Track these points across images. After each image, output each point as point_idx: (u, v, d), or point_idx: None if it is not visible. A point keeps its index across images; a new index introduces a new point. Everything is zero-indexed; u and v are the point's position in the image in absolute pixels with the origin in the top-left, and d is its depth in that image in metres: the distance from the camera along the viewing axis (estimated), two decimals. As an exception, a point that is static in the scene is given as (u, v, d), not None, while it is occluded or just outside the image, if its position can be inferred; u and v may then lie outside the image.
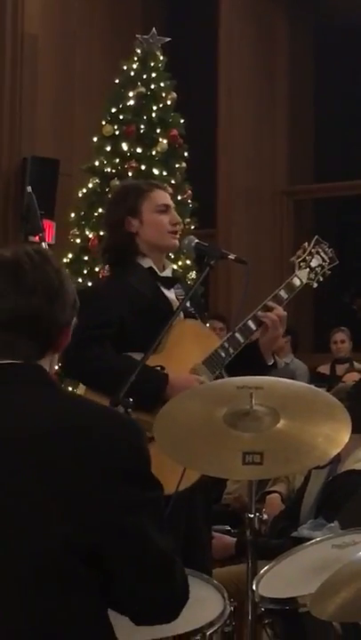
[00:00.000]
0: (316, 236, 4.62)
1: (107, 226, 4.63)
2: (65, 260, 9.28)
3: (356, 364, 10.03)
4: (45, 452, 2.32)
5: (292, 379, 6.64)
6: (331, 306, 12.28)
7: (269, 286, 4.68)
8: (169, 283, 4.40)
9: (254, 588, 3.06)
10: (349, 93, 12.31)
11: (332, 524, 4.28)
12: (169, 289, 4.37)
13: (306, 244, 4.55)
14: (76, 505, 2.29)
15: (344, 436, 3.13)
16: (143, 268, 4.34)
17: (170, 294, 4.35)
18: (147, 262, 4.35)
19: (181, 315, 4.25)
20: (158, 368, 4.11)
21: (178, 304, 4.26)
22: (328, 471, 5.03)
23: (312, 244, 4.53)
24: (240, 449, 3.02)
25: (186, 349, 4.22)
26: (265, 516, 3.31)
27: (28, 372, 2.43)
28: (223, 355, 4.22)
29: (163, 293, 4.31)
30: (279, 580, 3.08)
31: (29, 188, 8.51)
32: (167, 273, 4.44)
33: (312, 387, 3.57)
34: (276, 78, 12.37)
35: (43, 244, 5.72)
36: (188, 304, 4.30)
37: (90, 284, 8.81)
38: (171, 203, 4.46)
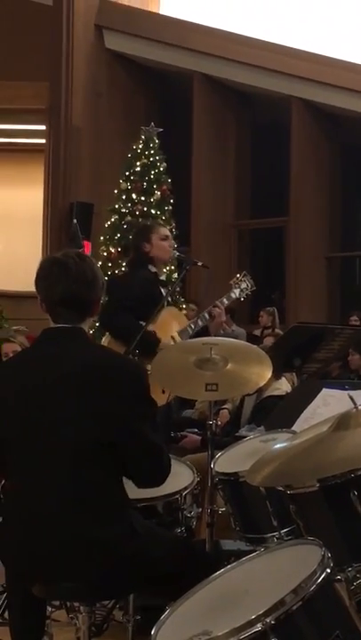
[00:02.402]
0: (245, 271, 4.88)
1: (132, 246, 4.73)
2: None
3: (277, 330, 9.98)
4: (83, 381, 2.30)
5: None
6: (260, 294, 12.23)
7: (222, 284, 4.81)
8: (163, 283, 4.50)
9: (212, 466, 3.06)
10: (274, 163, 12.27)
11: (260, 428, 4.28)
12: (162, 286, 4.42)
13: (238, 274, 4.82)
14: (103, 415, 2.28)
15: (267, 373, 3.13)
16: (151, 272, 4.39)
17: (163, 289, 4.41)
18: (153, 269, 4.41)
19: (165, 303, 4.33)
20: (154, 332, 4.15)
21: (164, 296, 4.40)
22: (256, 397, 5.03)
23: (242, 275, 4.80)
24: (204, 381, 3.02)
25: (168, 322, 4.31)
26: (219, 423, 3.31)
27: (74, 332, 2.40)
28: (190, 331, 4.34)
29: (159, 288, 4.36)
30: (227, 461, 3.07)
31: (75, 221, 8.52)
32: (162, 277, 4.53)
33: (248, 343, 3.55)
34: (228, 154, 12.30)
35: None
36: (169, 298, 4.42)
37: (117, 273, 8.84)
38: (169, 234, 4.55)
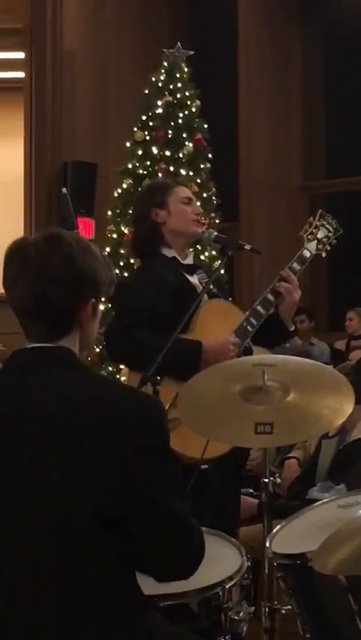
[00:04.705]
0: (320, 210, 4.60)
1: (134, 219, 4.63)
2: (104, 254, 9.31)
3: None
4: (73, 429, 2.28)
5: (316, 357, 6.64)
6: (345, 288, 12.22)
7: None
8: (191, 269, 4.42)
9: (268, 544, 3.05)
10: (358, 94, 12.22)
11: (339, 487, 4.28)
12: (192, 275, 4.39)
13: (311, 217, 4.54)
14: (101, 477, 2.26)
15: (348, 407, 3.14)
16: (167, 258, 4.35)
17: (193, 279, 4.39)
18: (170, 252, 4.38)
19: (206, 296, 4.27)
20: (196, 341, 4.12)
21: (201, 287, 4.29)
22: (338, 441, 5.02)
23: (317, 218, 4.52)
24: (253, 420, 3.03)
25: (214, 326, 4.23)
26: (278, 480, 3.31)
27: (53, 355, 2.38)
28: (249, 328, 4.25)
29: (186, 279, 4.34)
30: (290, 537, 3.07)
31: (64, 190, 8.59)
32: (189, 261, 4.46)
33: (320, 363, 3.57)
34: (291, 84, 12.31)
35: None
36: (211, 287, 4.31)
37: (125, 274, 8.84)
38: (192, 196, 4.50)
